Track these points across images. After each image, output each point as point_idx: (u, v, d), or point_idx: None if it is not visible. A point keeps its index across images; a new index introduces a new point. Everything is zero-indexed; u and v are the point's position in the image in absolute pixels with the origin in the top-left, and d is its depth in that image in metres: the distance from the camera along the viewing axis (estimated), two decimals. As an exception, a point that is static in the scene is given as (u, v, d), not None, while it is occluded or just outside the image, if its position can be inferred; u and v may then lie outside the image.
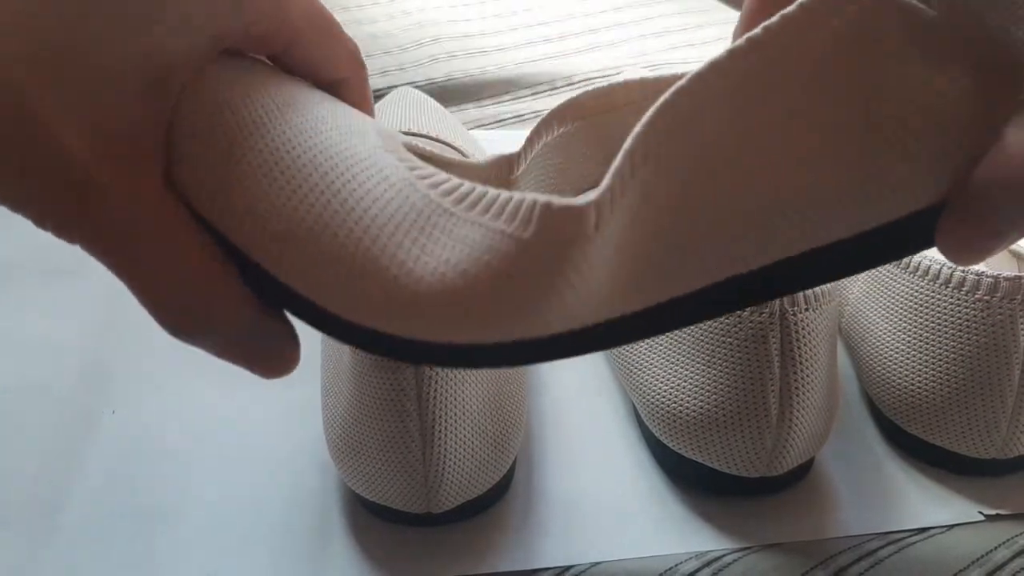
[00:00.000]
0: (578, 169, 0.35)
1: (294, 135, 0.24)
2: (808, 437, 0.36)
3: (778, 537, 0.37)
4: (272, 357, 0.28)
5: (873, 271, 0.41)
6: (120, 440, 0.41)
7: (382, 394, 0.33)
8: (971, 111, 0.23)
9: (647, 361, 0.38)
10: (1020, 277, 0.36)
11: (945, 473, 0.39)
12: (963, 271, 0.37)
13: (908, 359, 0.39)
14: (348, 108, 0.26)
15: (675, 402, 0.36)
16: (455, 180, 0.23)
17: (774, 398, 0.34)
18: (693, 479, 0.38)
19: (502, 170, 0.31)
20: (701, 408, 0.36)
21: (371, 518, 0.37)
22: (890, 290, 0.40)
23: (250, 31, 0.25)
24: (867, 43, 0.22)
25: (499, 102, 0.68)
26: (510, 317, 0.22)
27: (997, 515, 0.38)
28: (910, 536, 0.37)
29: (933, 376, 0.38)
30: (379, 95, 0.64)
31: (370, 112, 0.30)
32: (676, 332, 0.37)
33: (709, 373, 0.35)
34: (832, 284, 0.36)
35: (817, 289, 0.35)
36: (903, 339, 0.39)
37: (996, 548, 0.36)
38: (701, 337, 0.36)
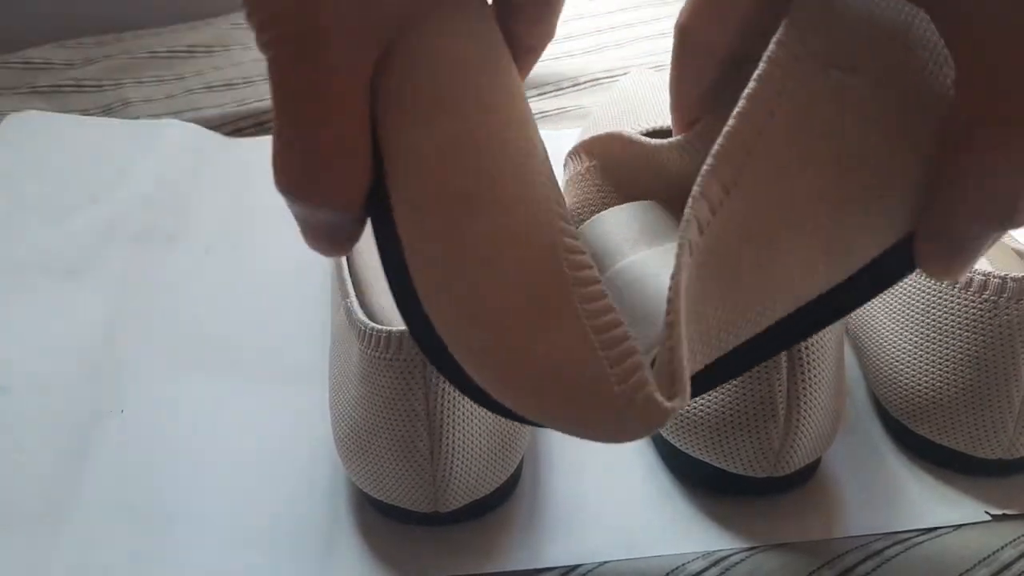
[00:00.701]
0: (593, 203, 0.38)
1: (482, 138, 0.25)
2: (815, 437, 0.36)
3: (785, 537, 0.37)
4: (340, 242, 0.27)
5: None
6: (127, 440, 0.41)
7: (390, 394, 0.33)
8: (906, 158, 0.24)
9: (654, 361, 0.38)
10: (1027, 277, 0.36)
11: (952, 473, 0.39)
12: (970, 271, 0.37)
13: (915, 359, 0.39)
14: (532, 118, 0.27)
15: (682, 402, 0.36)
16: (621, 330, 0.24)
17: (781, 398, 0.34)
18: (700, 479, 0.38)
19: None
20: (708, 408, 0.36)
21: (379, 517, 0.37)
22: (897, 291, 0.40)
23: None
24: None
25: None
26: (560, 426, 0.24)
27: (1003, 515, 0.38)
28: (917, 536, 0.37)
29: (940, 376, 0.38)
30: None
31: None
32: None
33: (716, 373, 0.35)
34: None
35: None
36: (910, 339, 0.39)
37: (1002, 548, 0.36)
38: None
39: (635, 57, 0.73)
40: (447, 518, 0.36)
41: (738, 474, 0.36)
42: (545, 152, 0.27)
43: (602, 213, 0.34)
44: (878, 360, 0.41)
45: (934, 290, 0.38)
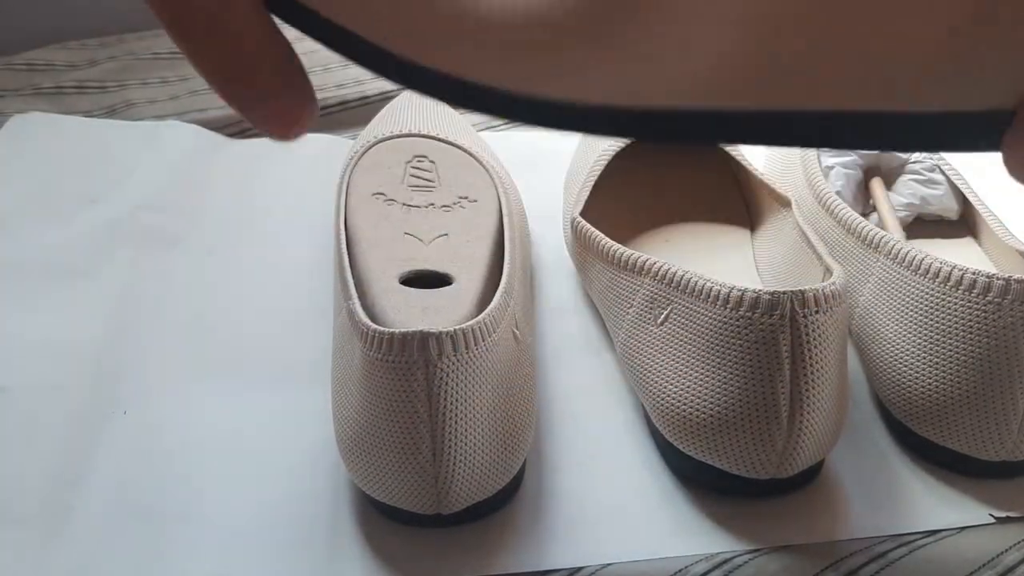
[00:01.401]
0: None
1: None
2: (818, 439, 0.36)
3: (788, 539, 0.37)
4: (286, 106, 0.24)
5: (883, 274, 0.41)
6: (131, 441, 0.41)
7: (392, 395, 0.33)
8: None
9: (657, 363, 0.38)
10: (1031, 279, 0.36)
11: (955, 475, 0.39)
12: (973, 273, 0.37)
13: (918, 361, 0.38)
14: None
15: (685, 404, 0.36)
16: None
17: (784, 400, 0.34)
18: (703, 481, 0.38)
19: None
20: (711, 410, 0.36)
21: (381, 519, 0.37)
22: (900, 292, 0.40)
23: None
24: None
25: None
26: (569, 69, 0.20)
27: (1007, 517, 0.37)
28: (920, 538, 0.37)
29: (943, 378, 0.38)
30: (390, 96, 0.64)
31: None
32: (685, 334, 0.37)
33: (719, 375, 0.35)
34: (843, 287, 0.36)
35: (828, 291, 0.35)
36: (913, 341, 0.39)
37: (1007, 550, 0.36)
38: (711, 339, 0.36)
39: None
40: (450, 520, 0.36)
41: (741, 476, 0.36)
42: None
43: None
44: (881, 362, 0.40)
45: (937, 292, 0.38)
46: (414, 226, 0.43)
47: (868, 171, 0.50)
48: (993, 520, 0.37)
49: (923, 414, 0.39)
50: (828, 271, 0.38)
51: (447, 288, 0.40)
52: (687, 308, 0.37)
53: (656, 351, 0.38)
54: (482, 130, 0.64)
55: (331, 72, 0.69)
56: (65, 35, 0.74)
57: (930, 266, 0.38)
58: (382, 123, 0.53)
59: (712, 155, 0.52)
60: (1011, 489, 0.39)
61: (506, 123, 0.66)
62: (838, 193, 0.48)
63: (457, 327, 0.33)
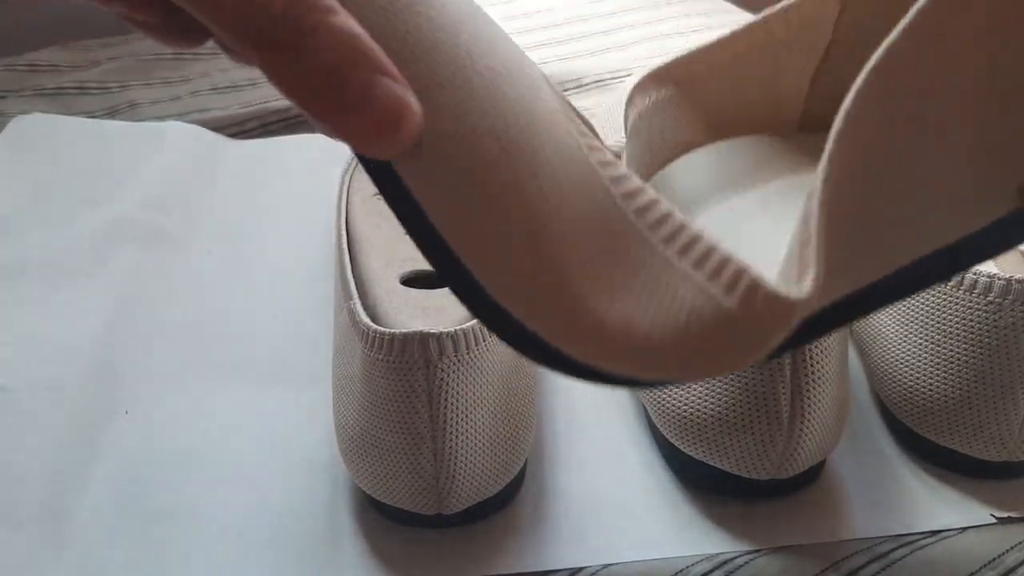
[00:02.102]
0: (676, 136, 0.33)
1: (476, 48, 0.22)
2: (819, 439, 0.36)
3: (789, 539, 0.37)
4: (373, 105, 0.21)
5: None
6: (132, 441, 0.41)
7: (393, 395, 0.33)
8: None
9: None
10: (1032, 279, 0.35)
11: (957, 475, 0.39)
12: (974, 273, 0.37)
13: (919, 361, 0.38)
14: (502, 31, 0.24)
15: (686, 404, 0.36)
16: (648, 193, 0.21)
17: (785, 400, 0.34)
18: (704, 481, 0.38)
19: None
20: (712, 410, 0.36)
21: (382, 519, 0.37)
22: (902, 292, 0.40)
23: None
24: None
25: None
26: (693, 371, 0.21)
27: (1009, 518, 0.37)
28: (922, 539, 0.37)
29: (944, 378, 0.38)
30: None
31: None
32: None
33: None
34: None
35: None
36: (914, 341, 0.39)
37: (1008, 551, 0.36)
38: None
39: (639, 58, 0.73)
40: (451, 520, 0.36)
41: (742, 476, 0.36)
42: (535, 67, 0.24)
43: (687, 156, 0.30)
44: (882, 362, 0.40)
45: (938, 292, 0.38)
46: (415, 226, 0.43)
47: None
48: (994, 520, 0.37)
49: (924, 414, 0.39)
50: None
51: (448, 288, 0.40)
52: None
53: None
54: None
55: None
56: (67, 36, 0.74)
57: (931, 266, 0.38)
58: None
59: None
60: (1012, 489, 0.39)
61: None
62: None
63: (458, 327, 0.33)
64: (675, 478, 0.39)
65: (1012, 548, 0.36)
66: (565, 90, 0.68)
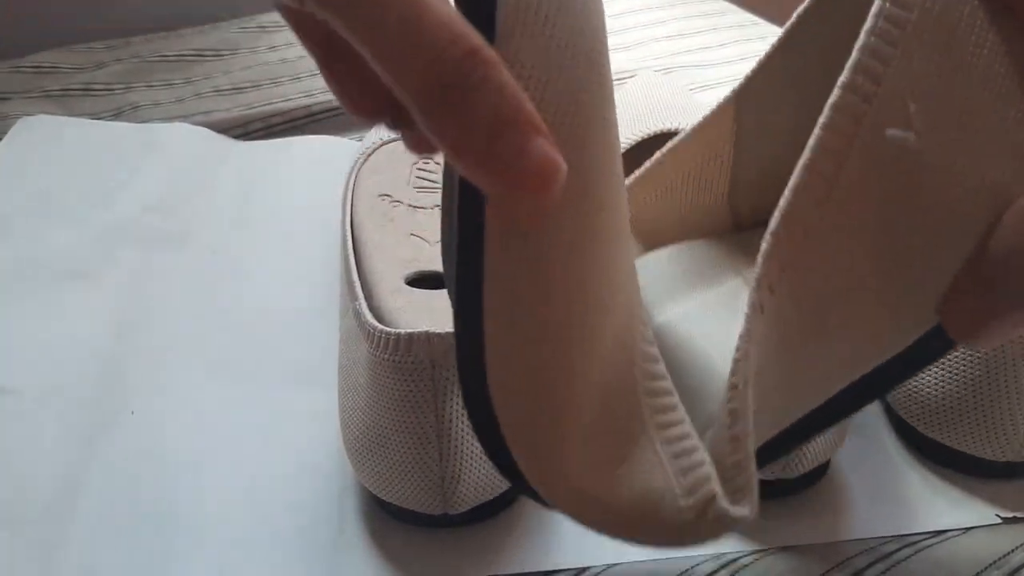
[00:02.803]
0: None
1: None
2: (824, 439, 0.36)
3: (794, 539, 0.37)
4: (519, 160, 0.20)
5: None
6: (137, 441, 0.41)
7: (399, 396, 0.33)
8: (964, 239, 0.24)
9: (663, 363, 0.38)
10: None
11: (961, 476, 0.39)
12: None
13: (924, 361, 0.38)
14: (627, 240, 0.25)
15: (691, 404, 0.37)
16: (664, 380, 0.24)
17: (790, 400, 0.34)
18: (709, 481, 0.38)
19: None
20: (717, 410, 0.36)
21: (388, 519, 0.37)
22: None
23: None
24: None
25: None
26: (635, 542, 0.23)
27: (1014, 518, 0.37)
28: (926, 539, 0.37)
29: (949, 378, 0.38)
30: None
31: None
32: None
33: (725, 375, 0.35)
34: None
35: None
36: (919, 341, 0.39)
37: (1013, 551, 0.36)
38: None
39: (643, 59, 0.73)
40: (457, 520, 0.36)
41: (747, 476, 0.36)
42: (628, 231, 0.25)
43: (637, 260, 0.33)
44: (887, 362, 0.40)
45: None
46: (420, 227, 0.43)
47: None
48: (999, 520, 0.37)
49: (929, 414, 0.39)
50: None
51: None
52: (693, 309, 0.37)
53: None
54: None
55: (336, 74, 0.69)
56: (71, 38, 0.74)
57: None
58: (388, 125, 0.53)
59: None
60: (1017, 489, 0.39)
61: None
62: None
63: (463, 327, 0.33)
64: (680, 478, 0.39)
65: (1017, 548, 0.36)
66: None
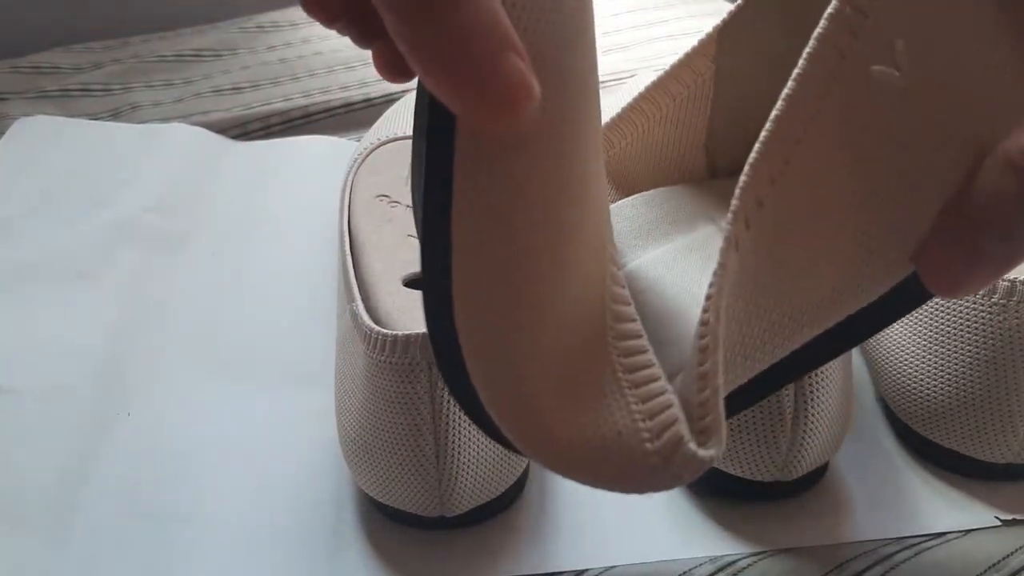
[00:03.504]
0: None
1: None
2: (823, 441, 0.36)
3: (793, 542, 0.36)
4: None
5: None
6: (135, 442, 0.41)
7: (396, 398, 0.33)
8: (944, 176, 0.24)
9: (661, 365, 0.38)
10: (1037, 281, 0.35)
11: (961, 478, 0.39)
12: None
13: (923, 363, 0.38)
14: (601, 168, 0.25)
15: (689, 406, 0.36)
16: (633, 323, 0.23)
17: (788, 402, 0.34)
18: (707, 483, 0.38)
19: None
20: (715, 412, 0.36)
21: (385, 521, 0.37)
22: (905, 294, 0.40)
23: None
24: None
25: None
26: (601, 486, 0.23)
27: (1014, 520, 0.37)
28: (926, 541, 0.37)
29: (949, 380, 0.37)
30: (394, 99, 0.64)
31: None
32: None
33: (723, 377, 0.35)
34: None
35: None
36: (918, 343, 0.39)
37: (1013, 553, 0.36)
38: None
39: (642, 60, 0.73)
40: (453, 522, 0.36)
41: (745, 478, 0.36)
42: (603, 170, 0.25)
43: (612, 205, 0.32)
44: (886, 363, 0.40)
45: (943, 293, 0.38)
46: (418, 228, 0.43)
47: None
48: (999, 523, 0.37)
49: (929, 416, 0.38)
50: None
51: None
52: (691, 310, 0.37)
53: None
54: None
55: (335, 74, 0.69)
56: (70, 38, 0.74)
57: (935, 267, 0.38)
58: (386, 125, 0.53)
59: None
60: (1017, 492, 0.38)
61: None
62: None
63: (460, 329, 0.33)
64: (678, 480, 0.39)
65: (1017, 551, 0.36)
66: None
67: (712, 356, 0.22)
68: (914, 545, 0.36)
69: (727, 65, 0.32)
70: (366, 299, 0.38)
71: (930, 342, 0.38)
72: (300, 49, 0.73)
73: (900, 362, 0.39)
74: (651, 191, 0.33)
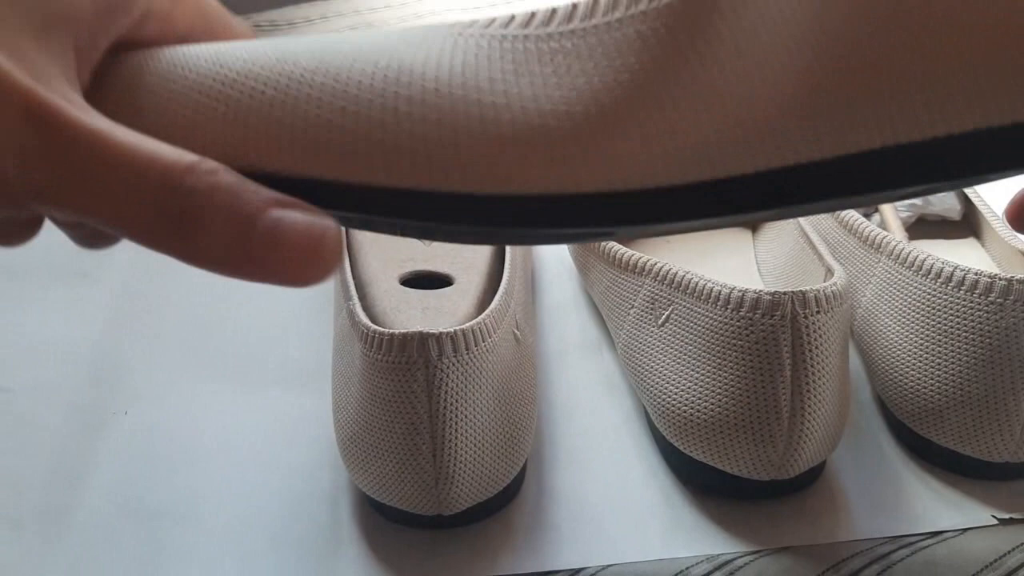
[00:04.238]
0: None
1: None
2: (820, 440, 0.36)
3: (790, 540, 0.36)
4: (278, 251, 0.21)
5: (885, 275, 0.41)
6: (130, 442, 0.41)
7: (393, 396, 0.33)
8: None
9: (658, 364, 0.38)
10: (1033, 279, 0.35)
11: (958, 476, 0.39)
12: (975, 274, 0.37)
13: (920, 362, 0.38)
14: None
15: (686, 405, 0.36)
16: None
17: (786, 401, 0.34)
18: (704, 482, 0.38)
19: None
20: (712, 411, 0.36)
21: (382, 521, 0.37)
22: (902, 293, 0.40)
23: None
24: None
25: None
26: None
27: (1010, 519, 0.37)
28: (922, 540, 0.37)
29: (945, 379, 0.37)
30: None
31: None
32: (686, 335, 0.37)
33: (720, 376, 0.35)
34: (844, 287, 0.36)
35: (829, 292, 0.35)
36: (915, 342, 0.39)
37: (1009, 552, 0.36)
38: (712, 339, 0.36)
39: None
40: (450, 521, 0.36)
41: (742, 477, 0.36)
42: None
43: None
44: (883, 362, 0.40)
45: (939, 292, 0.38)
46: (415, 227, 0.43)
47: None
48: (996, 522, 0.37)
49: (925, 415, 0.38)
50: (829, 272, 0.38)
51: (447, 289, 0.40)
52: (688, 309, 0.37)
53: (657, 352, 0.38)
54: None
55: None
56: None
57: (932, 267, 0.38)
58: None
59: None
60: (1014, 490, 0.38)
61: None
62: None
63: (457, 328, 0.33)
64: (675, 479, 0.39)
65: (1013, 549, 0.36)
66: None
67: None
68: (911, 544, 0.36)
69: None
70: (363, 298, 0.38)
71: (926, 340, 0.38)
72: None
73: (897, 360, 0.39)
74: None
